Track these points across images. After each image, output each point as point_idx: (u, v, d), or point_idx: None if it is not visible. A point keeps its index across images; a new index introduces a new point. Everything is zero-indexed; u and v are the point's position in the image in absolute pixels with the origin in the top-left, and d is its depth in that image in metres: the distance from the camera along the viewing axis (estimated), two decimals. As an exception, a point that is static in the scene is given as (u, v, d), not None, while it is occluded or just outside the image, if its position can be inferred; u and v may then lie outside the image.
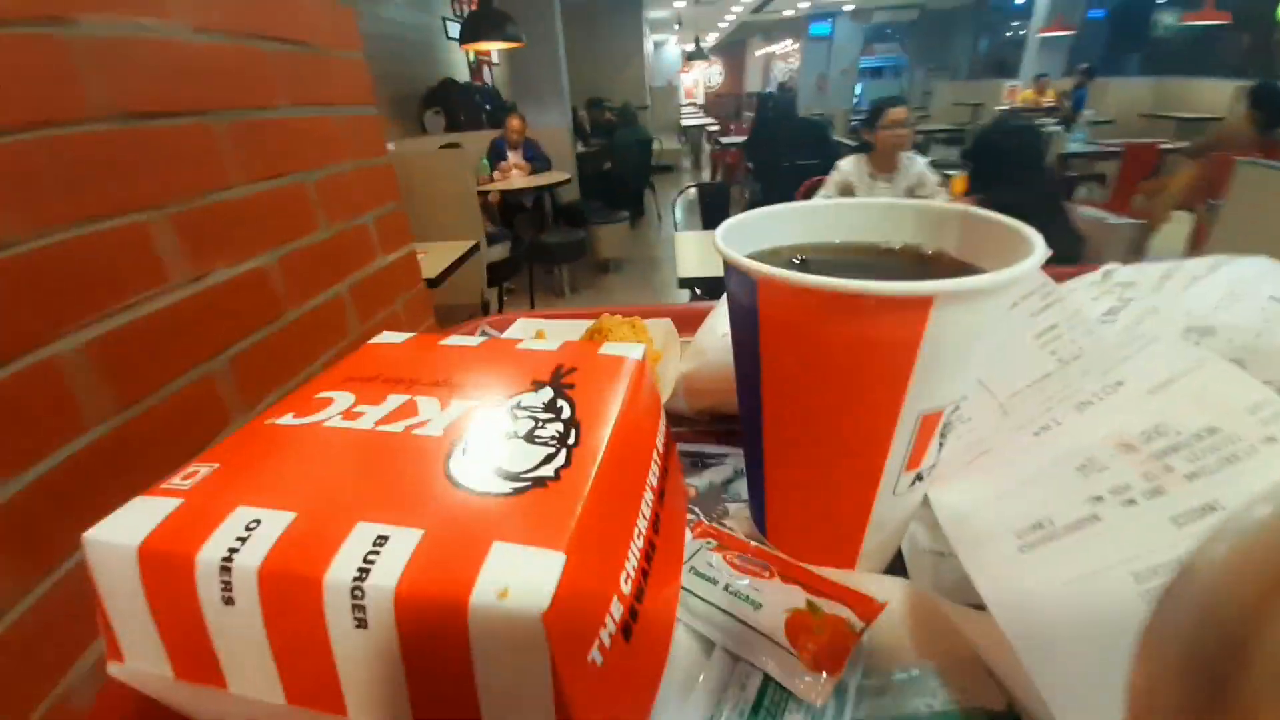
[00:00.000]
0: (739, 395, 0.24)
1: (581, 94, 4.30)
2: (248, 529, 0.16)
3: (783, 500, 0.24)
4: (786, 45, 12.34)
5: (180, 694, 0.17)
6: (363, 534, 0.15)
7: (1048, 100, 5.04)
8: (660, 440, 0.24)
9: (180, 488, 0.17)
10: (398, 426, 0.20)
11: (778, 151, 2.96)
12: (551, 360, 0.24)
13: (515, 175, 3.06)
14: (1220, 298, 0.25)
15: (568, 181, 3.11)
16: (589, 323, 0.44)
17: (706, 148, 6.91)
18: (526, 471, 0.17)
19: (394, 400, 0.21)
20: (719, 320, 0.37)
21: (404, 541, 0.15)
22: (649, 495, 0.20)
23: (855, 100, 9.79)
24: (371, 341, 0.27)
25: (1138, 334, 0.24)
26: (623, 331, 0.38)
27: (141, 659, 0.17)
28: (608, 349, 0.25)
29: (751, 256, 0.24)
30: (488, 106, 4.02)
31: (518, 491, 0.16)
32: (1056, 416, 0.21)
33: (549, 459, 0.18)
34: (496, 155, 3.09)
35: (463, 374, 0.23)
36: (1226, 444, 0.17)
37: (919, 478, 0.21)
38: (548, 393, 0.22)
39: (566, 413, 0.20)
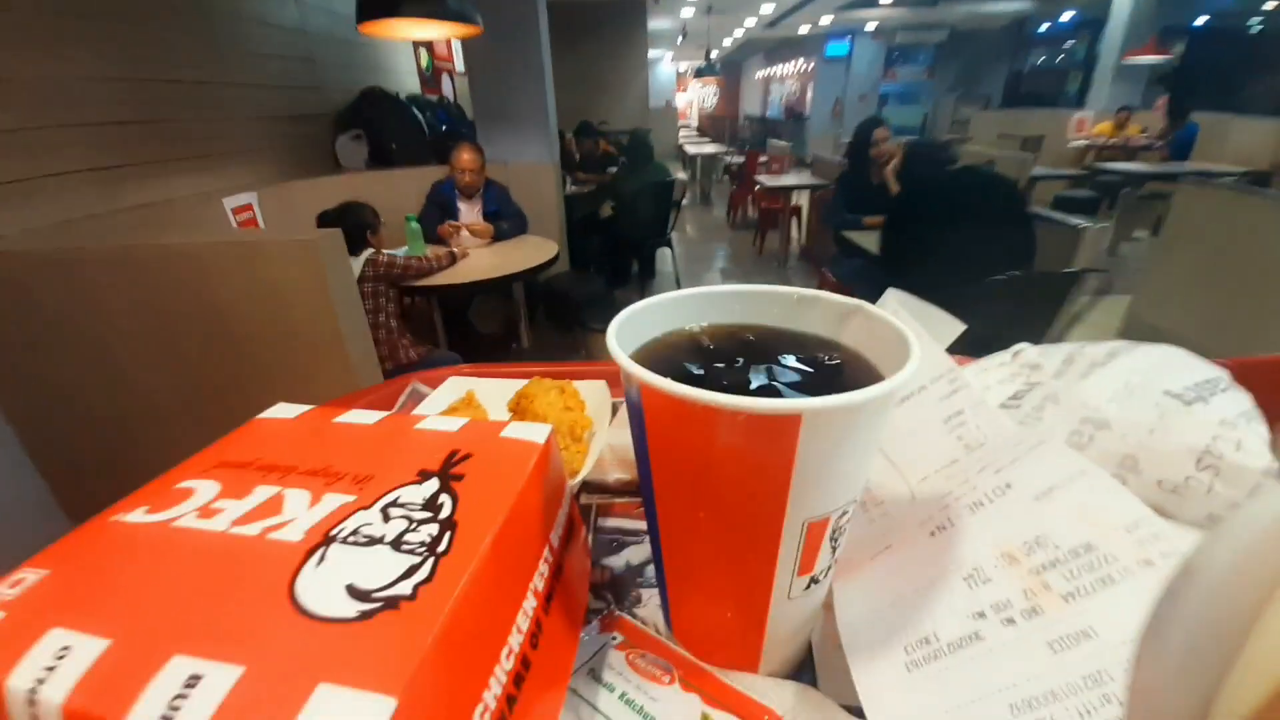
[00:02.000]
0: (640, 487, 0.23)
1: (568, 117, 3.24)
2: (58, 656, 0.14)
3: (682, 600, 0.23)
4: (796, 65, 11.03)
5: None
6: (175, 671, 0.14)
7: (1135, 137, 4.12)
8: (557, 534, 0.23)
9: (5, 597, 0.15)
10: (253, 529, 0.18)
11: (935, 224, 1.48)
12: (447, 444, 0.23)
13: (467, 240, 2.00)
14: (1116, 389, 0.26)
15: (554, 260, 1.94)
16: (524, 381, 0.43)
17: (720, 177, 6.24)
18: (380, 589, 0.16)
19: (261, 493, 0.20)
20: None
21: (218, 681, 0.13)
22: (530, 603, 0.19)
23: (874, 128, 9.44)
24: (261, 416, 0.26)
25: (1032, 431, 0.25)
26: (550, 398, 0.37)
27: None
28: (512, 430, 0.24)
29: (659, 338, 0.24)
30: (444, 128, 2.86)
31: (364, 616, 0.15)
32: (951, 516, 0.21)
33: (411, 571, 0.16)
34: (438, 209, 2.07)
35: (347, 460, 0.22)
36: (1102, 564, 0.16)
37: (814, 580, 0.20)
38: (432, 485, 0.20)
39: (446, 510, 0.19)
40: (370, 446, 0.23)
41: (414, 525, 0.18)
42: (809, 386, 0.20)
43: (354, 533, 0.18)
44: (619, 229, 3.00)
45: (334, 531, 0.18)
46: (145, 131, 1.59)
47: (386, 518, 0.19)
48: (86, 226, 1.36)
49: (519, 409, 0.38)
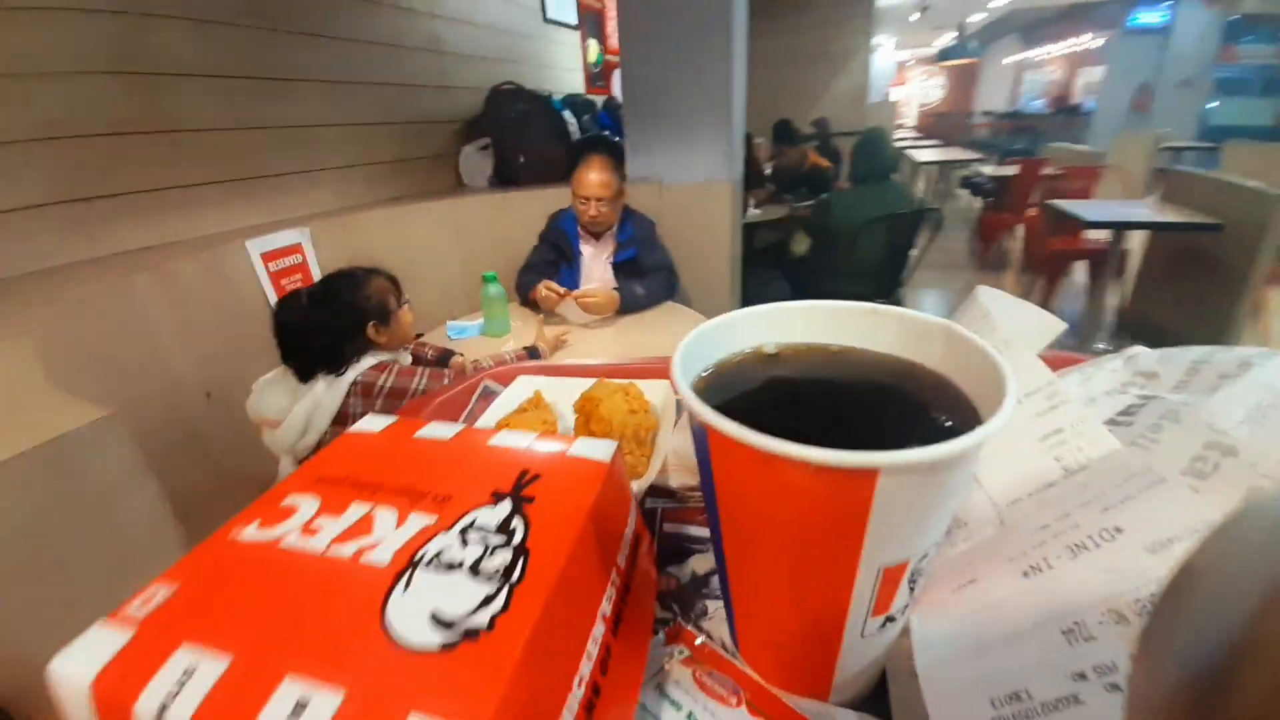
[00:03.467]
0: (706, 512, 0.23)
1: (754, 117, 2.05)
2: (184, 675, 0.16)
3: (749, 625, 0.23)
4: (1070, 44, 8.48)
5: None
6: (286, 694, 0.15)
7: None
8: (624, 555, 0.23)
9: (136, 616, 0.18)
10: (349, 549, 0.20)
11: None
12: (518, 463, 0.24)
13: (572, 316, 1.34)
14: (1248, 409, 0.22)
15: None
16: (590, 381, 0.43)
17: (952, 191, 4.73)
18: (461, 618, 0.17)
19: (355, 511, 0.21)
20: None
21: (323, 707, 0.15)
22: (599, 628, 0.20)
23: (1201, 124, 6.40)
24: (351, 430, 0.28)
25: (1146, 454, 0.22)
26: (614, 401, 0.37)
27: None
28: (578, 448, 0.25)
29: (723, 361, 0.23)
30: (606, 131, 2.26)
31: (447, 647, 0.16)
32: (1049, 556, 0.19)
33: (488, 600, 0.17)
34: (552, 252, 1.49)
35: (428, 479, 0.23)
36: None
37: (889, 619, 0.19)
38: (505, 508, 0.21)
39: (519, 535, 0.20)
40: (448, 463, 0.24)
41: (490, 550, 0.19)
42: (891, 424, 0.19)
43: (436, 557, 0.19)
44: (817, 275, 2.05)
45: (418, 555, 0.19)
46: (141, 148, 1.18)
47: (465, 541, 0.20)
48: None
49: (584, 411, 0.38)
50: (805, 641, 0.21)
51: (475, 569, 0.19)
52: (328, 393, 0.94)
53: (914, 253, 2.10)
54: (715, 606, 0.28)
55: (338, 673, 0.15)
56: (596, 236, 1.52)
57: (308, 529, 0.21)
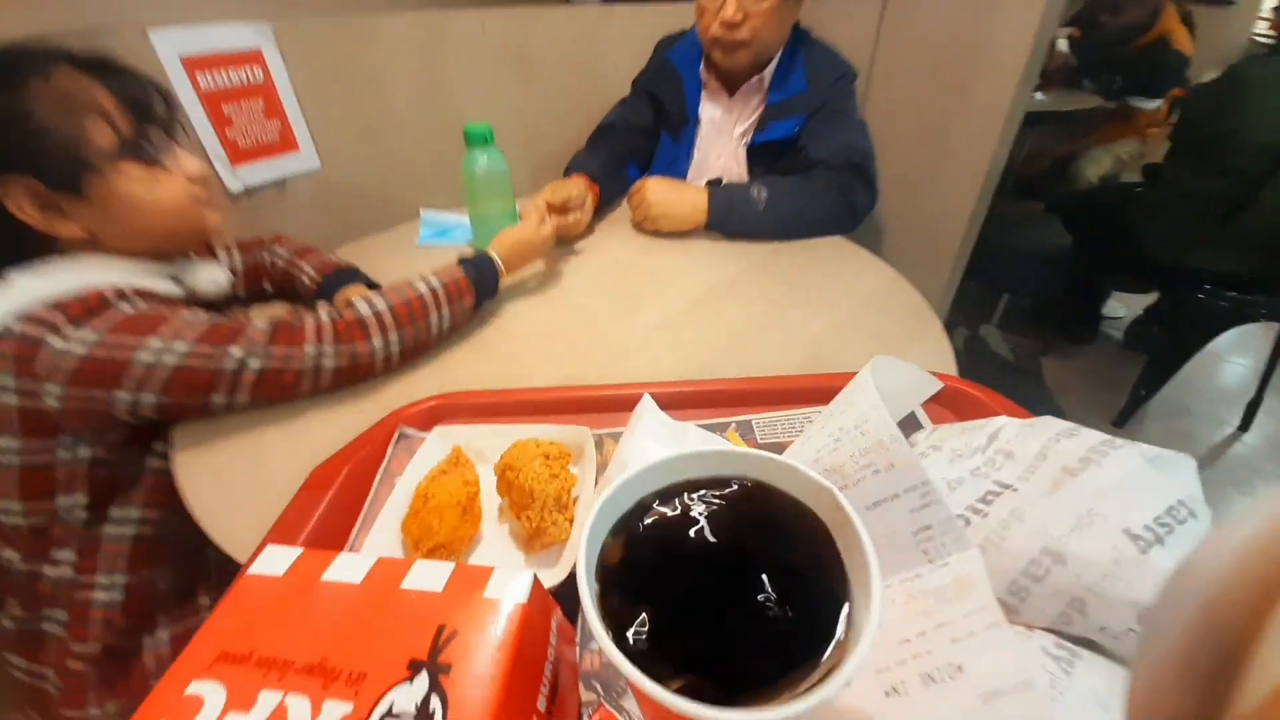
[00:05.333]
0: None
1: None
2: None
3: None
4: None
5: None
6: None
7: None
8: (544, 690, 0.25)
9: None
10: (265, 760, 0.20)
11: None
12: (433, 616, 0.24)
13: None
14: (1080, 515, 0.26)
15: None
16: (511, 434, 0.43)
17: None
18: (386, 842, 0.18)
19: (265, 702, 0.21)
20: (634, 444, 0.37)
21: None
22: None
23: None
24: (251, 572, 0.26)
25: (989, 600, 0.25)
26: (534, 468, 0.37)
27: None
28: (493, 588, 0.25)
29: (643, 504, 0.24)
30: None
31: None
32: (906, 682, 0.23)
33: (411, 812, 0.18)
34: (647, 111, 0.94)
35: (339, 649, 0.23)
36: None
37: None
38: (423, 685, 0.22)
39: (438, 718, 0.21)
40: (361, 623, 0.24)
41: (410, 744, 0.20)
42: (793, 584, 0.21)
43: (356, 761, 0.20)
44: (1148, 228, 1.35)
45: (337, 761, 0.20)
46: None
47: (385, 733, 0.21)
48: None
49: (504, 480, 0.38)
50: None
51: (396, 770, 0.19)
52: None
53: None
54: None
55: None
56: (730, 86, 0.89)
57: (217, 733, 0.21)
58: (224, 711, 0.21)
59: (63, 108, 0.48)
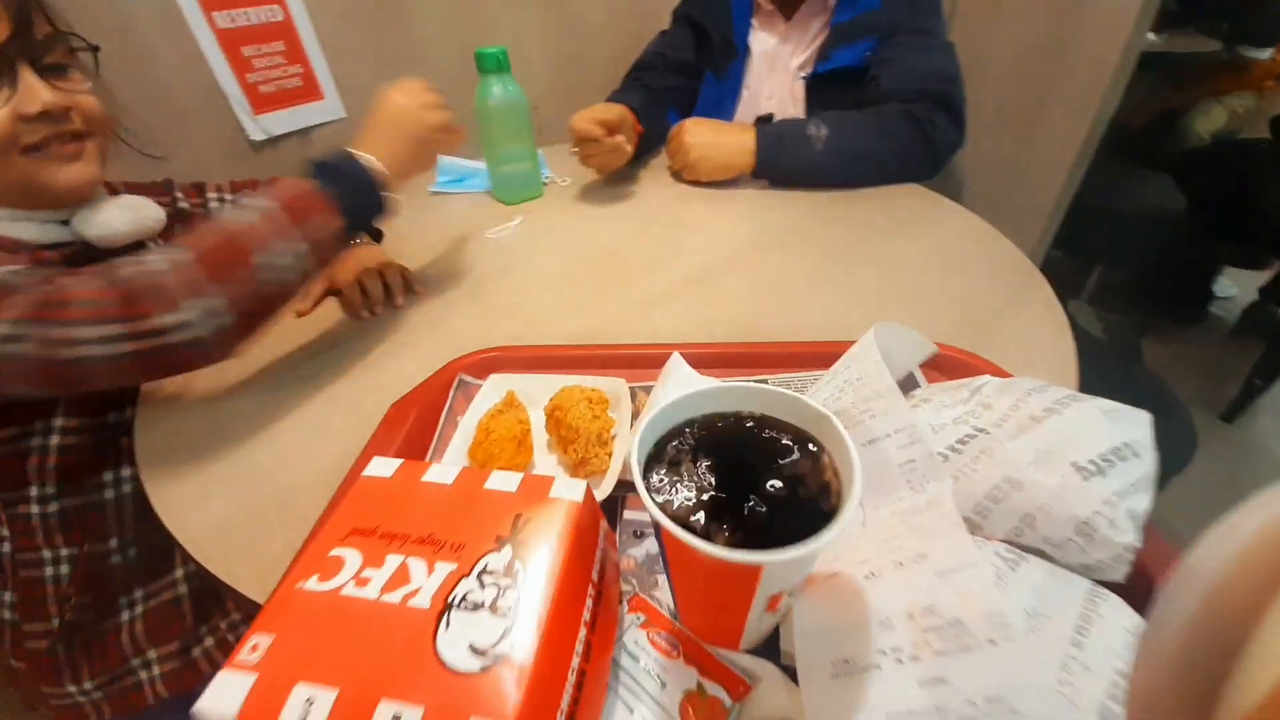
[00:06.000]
0: (655, 538, 0.31)
1: None
2: (306, 704, 0.23)
3: (686, 606, 0.33)
4: None
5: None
6: (384, 714, 0.23)
7: None
8: (597, 569, 0.31)
9: (251, 661, 0.25)
10: (396, 596, 0.27)
11: None
12: (511, 506, 0.31)
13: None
14: (1038, 453, 0.32)
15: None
16: (557, 381, 0.49)
17: None
18: (490, 648, 0.25)
19: (391, 562, 0.28)
20: (666, 393, 0.43)
21: (414, 717, 0.23)
22: (582, 633, 0.28)
23: None
24: (365, 474, 0.34)
25: (967, 481, 0.31)
26: (579, 410, 0.44)
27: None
28: (557, 490, 0.32)
29: (676, 429, 0.30)
30: None
31: (484, 669, 0.24)
32: (883, 567, 0.29)
33: (505, 633, 0.25)
34: (689, 42, 0.86)
35: (443, 528, 0.30)
36: (965, 636, 0.25)
37: (776, 612, 0.29)
38: (508, 553, 0.29)
39: (520, 575, 0.28)
40: (456, 510, 0.31)
41: (502, 591, 0.27)
42: (797, 479, 0.27)
43: (464, 599, 0.27)
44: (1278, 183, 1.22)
45: (451, 598, 0.27)
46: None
47: (482, 584, 0.27)
48: None
49: (553, 418, 0.45)
50: (723, 619, 0.30)
51: (494, 607, 0.26)
52: None
53: None
54: (663, 580, 0.38)
55: (416, 694, 0.23)
56: (786, 7, 0.78)
57: (359, 580, 0.28)
58: (361, 568, 0.28)
59: None
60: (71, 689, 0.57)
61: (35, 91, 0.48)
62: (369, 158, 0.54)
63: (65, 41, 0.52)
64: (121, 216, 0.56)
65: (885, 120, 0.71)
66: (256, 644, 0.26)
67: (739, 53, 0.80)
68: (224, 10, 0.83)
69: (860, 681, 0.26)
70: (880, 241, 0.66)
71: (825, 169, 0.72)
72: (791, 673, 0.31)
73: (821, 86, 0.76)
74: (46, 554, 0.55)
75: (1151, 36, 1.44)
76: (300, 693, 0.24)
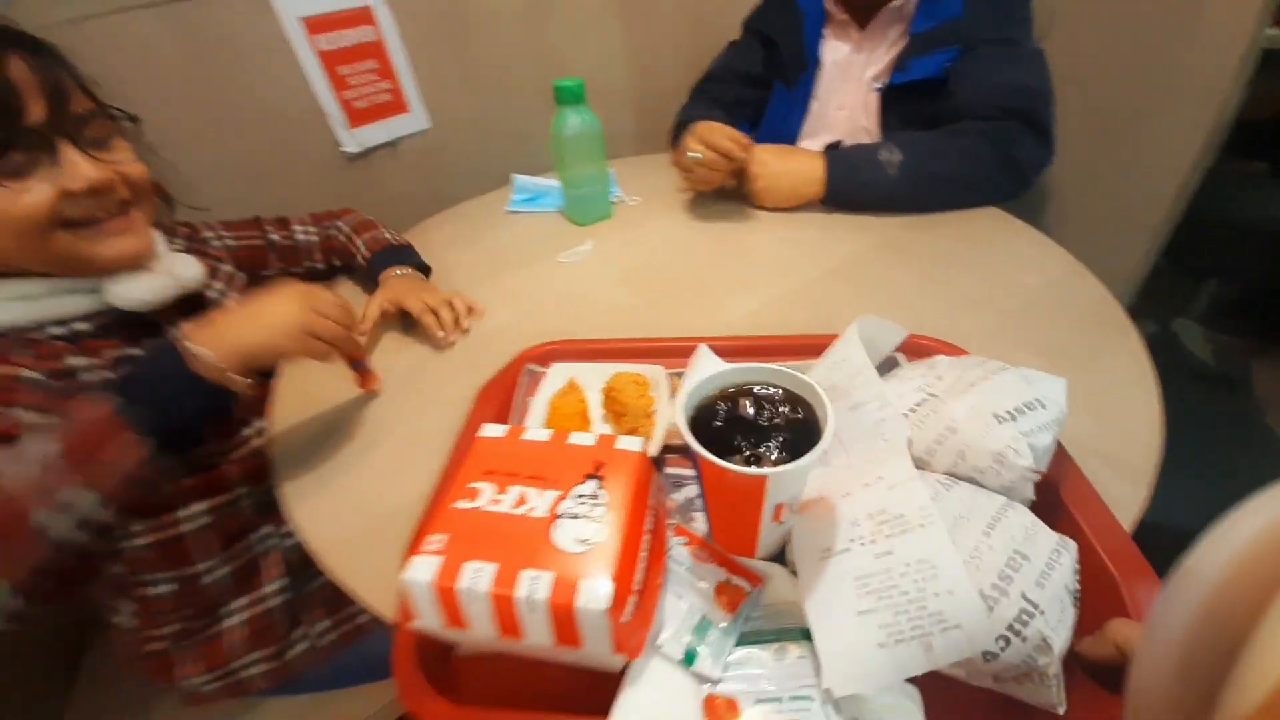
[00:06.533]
0: (696, 474, 0.44)
1: None
2: (476, 572, 0.37)
3: (717, 524, 0.45)
4: None
5: (444, 633, 0.39)
6: (527, 575, 0.36)
7: None
8: (653, 497, 0.44)
9: (433, 549, 0.38)
10: (522, 510, 0.40)
11: None
12: (591, 457, 0.44)
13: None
14: (970, 408, 0.44)
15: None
16: (607, 369, 0.62)
17: None
18: (588, 539, 0.38)
19: (514, 491, 0.41)
20: (695, 376, 0.56)
21: (547, 578, 0.36)
22: (645, 537, 0.41)
23: None
24: (480, 435, 0.47)
25: (917, 433, 0.43)
26: (630, 391, 0.57)
27: (426, 620, 0.39)
28: (622, 444, 0.45)
29: (714, 393, 0.42)
30: None
31: (587, 549, 0.37)
32: (855, 489, 0.41)
33: (599, 530, 0.38)
34: (758, 55, 0.87)
35: (546, 469, 0.43)
36: (904, 524, 0.37)
37: (782, 522, 0.41)
38: (594, 484, 0.42)
39: (604, 498, 0.41)
40: (553, 458, 0.44)
41: (593, 506, 0.40)
42: (796, 432, 0.39)
43: (567, 511, 0.40)
44: None
45: (559, 511, 0.40)
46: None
47: (578, 501, 0.40)
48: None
49: (609, 397, 0.58)
50: (742, 530, 0.43)
51: (588, 516, 0.39)
52: None
53: None
54: (699, 515, 0.50)
55: (545, 565, 0.36)
56: (862, 15, 0.76)
57: (493, 501, 0.41)
58: (494, 494, 0.41)
59: None
60: (191, 681, 0.67)
61: (78, 168, 0.48)
62: (200, 350, 0.48)
63: (105, 115, 0.53)
64: (144, 285, 0.56)
65: (962, 141, 0.68)
66: (433, 540, 0.39)
67: (810, 64, 0.78)
68: (324, 33, 0.92)
69: (838, 560, 0.38)
70: (954, 278, 0.65)
71: (901, 194, 0.70)
72: (793, 572, 0.43)
73: (897, 98, 0.73)
74: (150, 577, 0.64)
75: (1272, 31, 1.37)
76: (470, 565, 0.37)
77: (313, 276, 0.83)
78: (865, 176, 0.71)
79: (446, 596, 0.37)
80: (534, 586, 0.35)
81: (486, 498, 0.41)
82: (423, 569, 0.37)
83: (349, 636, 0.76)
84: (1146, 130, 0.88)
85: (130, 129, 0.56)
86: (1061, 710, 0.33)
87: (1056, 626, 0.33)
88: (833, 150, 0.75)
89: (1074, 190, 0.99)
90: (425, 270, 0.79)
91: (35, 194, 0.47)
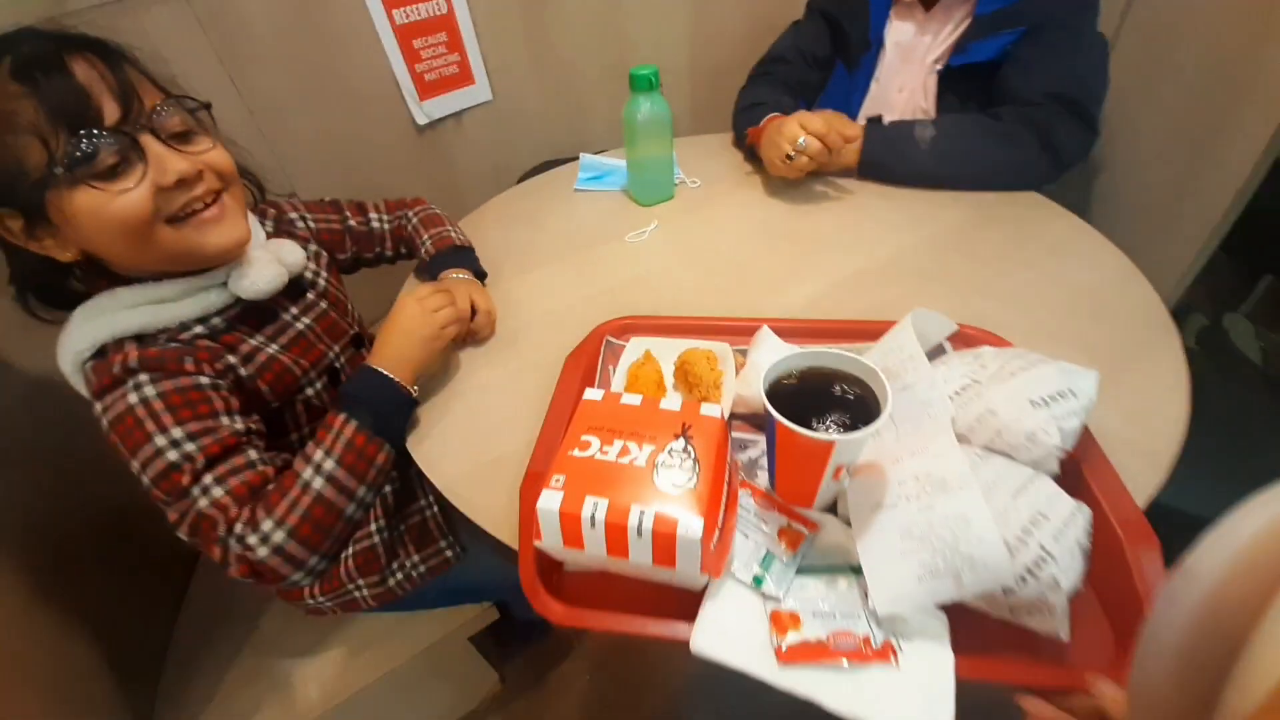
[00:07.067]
0: (766, 437, 0.52)
1: None
2: (594, 505, 0.46)
3: (781, 479, 0.54)
4: None
5: (562, 553, 0.49)
6: (637, 510, 0.45)
7: None
8: (730, 455, 0.53)
9: (558, 485, 0.48)
10: (626, 460, 0.49)
11: None
12: (679, 420, 0.53)
13: None
14: (1008, 394, 0.51)
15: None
16: (678, 344, 0.70)
17: None
18: (683, 484, 0.47)
19: (618, 444, 0.51)
20: (758, 354, 0.64)
21: (651, 511, 0.45)
22: (726, 486, 0.50)
23: None
24: (585, 398, 0.56)
25: (960, 414, 0.51)
26: (701, 365, 0.65)
27: (549, 541, 0.49)
28: (705, 410, 0.53)
29: (792, 372, 0.50)
30: None
31: (681, 492, 0.46)
32: (901, 457, 0.49)
33: (690, 478, 0.47)
34: (823, 36, 0.88)
35: (642, 428, 0.52)
36: (945, 485, 0.45)
37: (839, 482, 0.50)
38: (682, 442, 0.50)
39: (692, 454, 0.49)
40: (647, 419, 0.53)
41: (684, 460, 0.49)
42: (855, 406, 0.47)
43: (663, 462, 0.49)
44: None
45: (657, 461, 0.49)
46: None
47: (671, 455, 0.49)
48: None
49: (682, 370, 0.66)
50: (804, 484, 0.52)
51: (680, 467, 0.48)
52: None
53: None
54: (762, 472, 0.59)
55: (649, 503, 0.46)
56: (926, 0, 0.78)
57: (603, 450, 0.50)
58: (601, 446, 0.51)
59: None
60: (310, 601, 0.74)
61: (165, 161, 0.50)
62: (387, 375, 0.63)
63: (179, 105, 0.54)
64: (267, 275, 0.62)
65: (1000, 123, 0.70)
66: (558, 478, 0.49)
67: (873, 46, 0.80)
68: (401, 7, 0.95)
69: (887, 513, 0.47)
70: (1007, 272, 0.69)
71: (928, 168, 0.72)
72: (845, 522, 0.52)
73: (956, 80, 0.74)
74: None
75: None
76: (589, 500, 0.47)
77: (380, 263, 0.88)
78: (898, 148, 0.73)
79: (570, 522, 0.46)
80: (642, 518, 0.45)
81: (595, 448, 0.51)
82: (551, 500, 0.47)
83: (434, 570, 0.88)
84: (1217, 125, 0.89)
85: (206, 119, 0.57)
86: (1065, 638, 0.42)
87: (1067, 570, 0.41)
88: (872, 122, 0.77)
89: (1137, 182, 0.99)
90: (481, 276, 0.84)
91: (133, 193, 0.49)
